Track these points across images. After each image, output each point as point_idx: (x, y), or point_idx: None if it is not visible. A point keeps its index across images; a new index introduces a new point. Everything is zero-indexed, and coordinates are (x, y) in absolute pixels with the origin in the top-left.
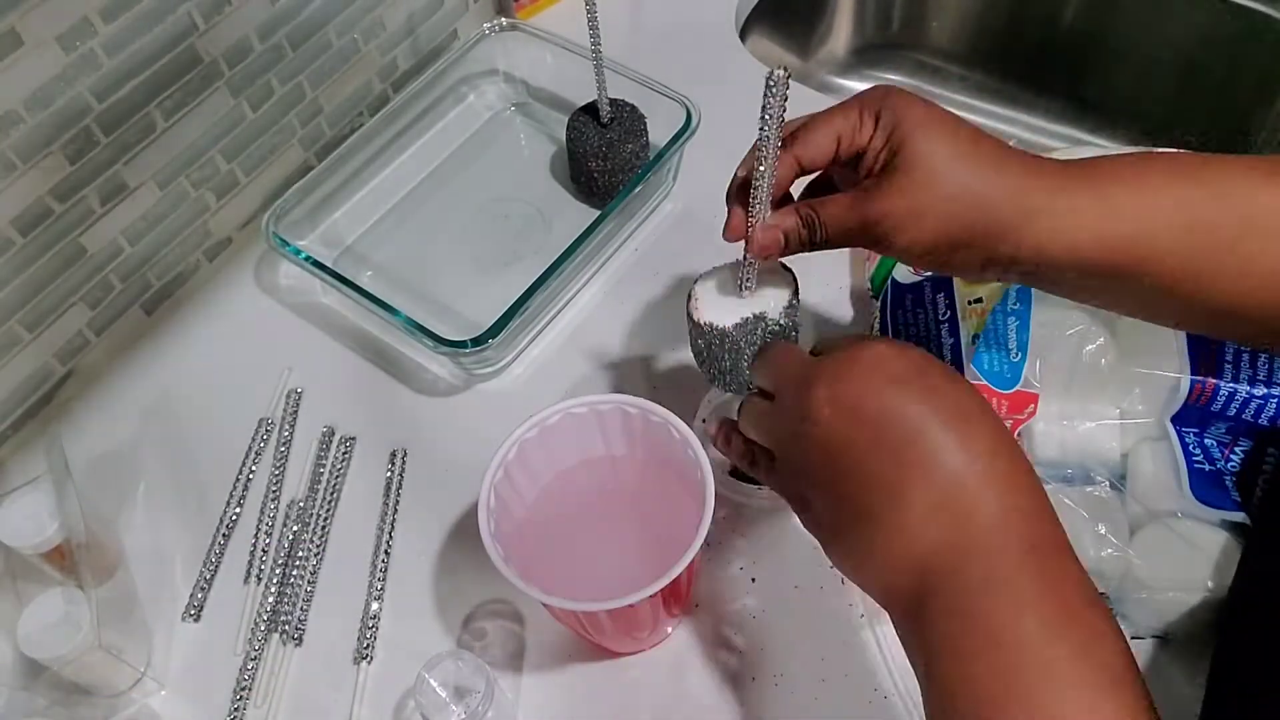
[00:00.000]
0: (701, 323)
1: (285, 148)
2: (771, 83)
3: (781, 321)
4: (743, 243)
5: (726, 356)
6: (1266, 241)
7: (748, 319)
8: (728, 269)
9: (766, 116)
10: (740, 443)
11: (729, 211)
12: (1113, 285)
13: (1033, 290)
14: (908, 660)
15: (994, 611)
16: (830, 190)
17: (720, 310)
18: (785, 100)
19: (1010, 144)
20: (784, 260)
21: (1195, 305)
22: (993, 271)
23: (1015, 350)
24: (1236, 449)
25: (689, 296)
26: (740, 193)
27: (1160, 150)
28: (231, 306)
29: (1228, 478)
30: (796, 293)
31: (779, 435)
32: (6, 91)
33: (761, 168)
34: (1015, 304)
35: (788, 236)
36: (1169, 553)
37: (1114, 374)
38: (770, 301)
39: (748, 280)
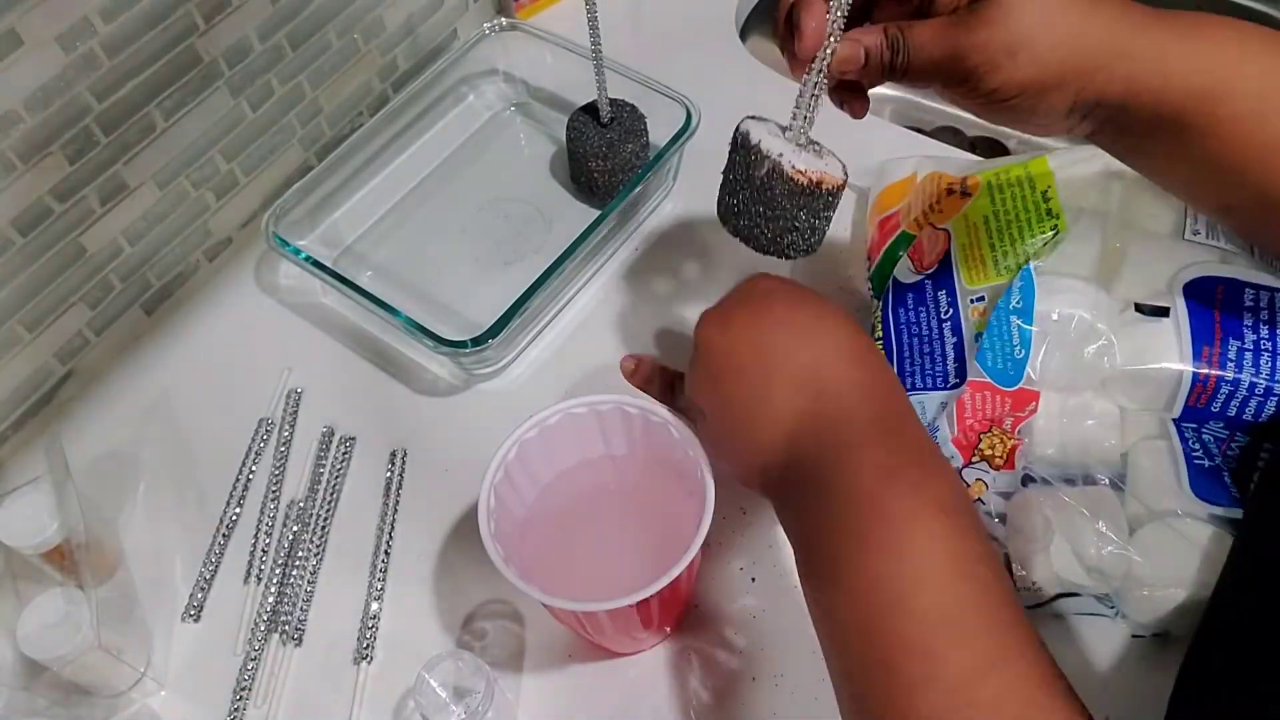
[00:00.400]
0: (757, 146)
1: (285, 148)
2: None
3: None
4: (807, 73)
5: (775, 199)
6: None
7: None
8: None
9: None
10: (647, 368)
11: (798, 22)
12: (1180, 136)
13: (1035, 288)
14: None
15: (842, 472)
16: None
17: (779, 145)
18: None
19: None
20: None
21: (1247, 169)
22: (1073, 119)
23: (1019, 347)
24: (1233, 444)
25: (737, 134)
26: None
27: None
28: (231, 306)
29: (1226, 474)
30: (845, 182)
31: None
32: (6, 91)
33: None
34: (1018, 302)
35: (869, 54)
36: (1169, 551)
37: (1116, 372)
38: (826, 169)
39: (807, 116)
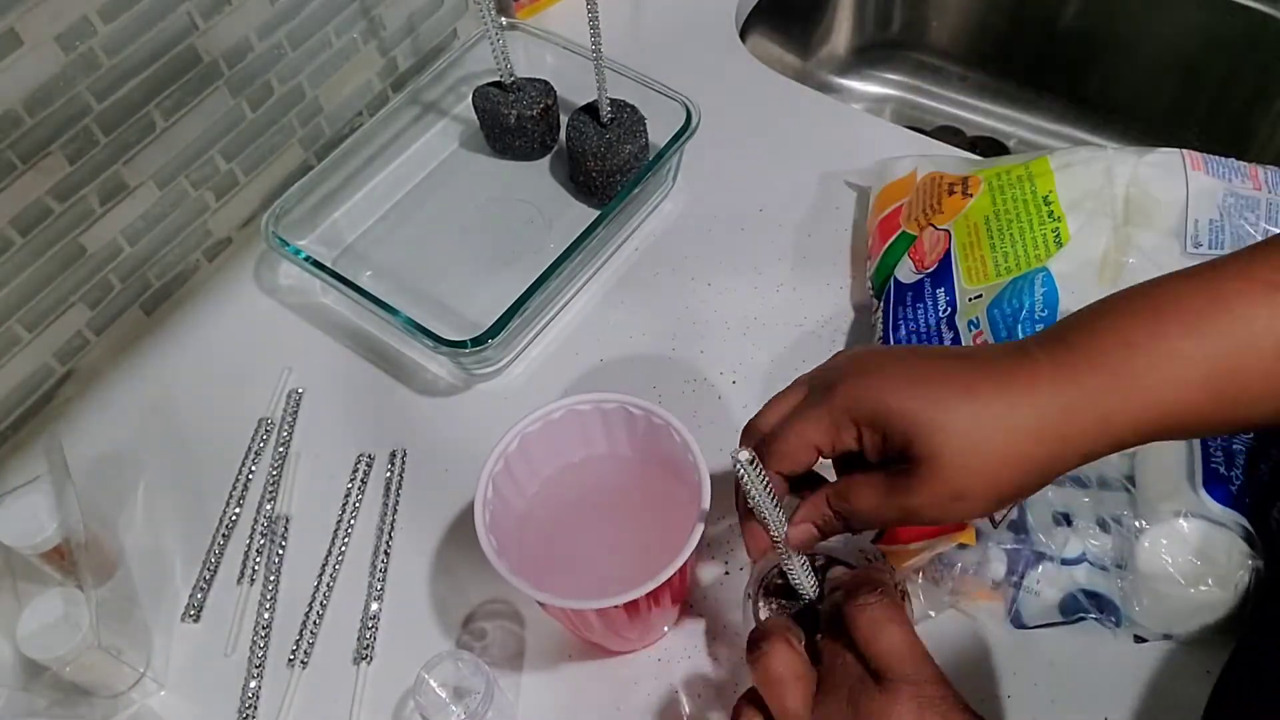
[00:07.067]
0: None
1: (285, 148)
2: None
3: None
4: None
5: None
6: None
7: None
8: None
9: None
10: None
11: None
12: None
13: (1058, 290)
14: None
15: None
16: None
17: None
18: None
19: (981, 351)
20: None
21: None
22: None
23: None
24: (1266, 460)
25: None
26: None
27: (1159, 281)
28: (231, 306)
29: (1247, 497)
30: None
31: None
32: (6, 91)
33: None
34: (1042, 310)
35: (822, 527)
36: (1177, 553)
37: None
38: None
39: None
